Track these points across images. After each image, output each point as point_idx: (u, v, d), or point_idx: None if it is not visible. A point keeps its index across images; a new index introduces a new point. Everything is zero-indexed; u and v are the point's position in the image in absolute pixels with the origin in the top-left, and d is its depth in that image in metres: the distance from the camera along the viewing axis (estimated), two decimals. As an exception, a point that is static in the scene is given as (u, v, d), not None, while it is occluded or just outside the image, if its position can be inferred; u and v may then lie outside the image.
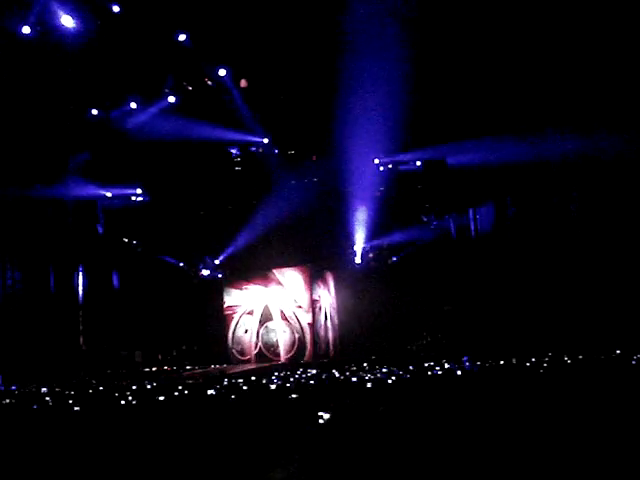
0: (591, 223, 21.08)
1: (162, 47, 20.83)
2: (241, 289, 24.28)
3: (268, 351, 22.62)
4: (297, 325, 22.82)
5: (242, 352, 22.74)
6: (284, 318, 23.06)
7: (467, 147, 22.06)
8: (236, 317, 23.61)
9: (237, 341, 23.11)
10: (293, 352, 22.30)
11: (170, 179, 24.77)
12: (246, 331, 22.90)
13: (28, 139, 21.31)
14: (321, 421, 4.41)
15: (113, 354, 24.10)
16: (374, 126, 22.47)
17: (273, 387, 11.57)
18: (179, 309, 26.65)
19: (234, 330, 23.24)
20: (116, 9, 19.16)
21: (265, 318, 23.22)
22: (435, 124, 22.38)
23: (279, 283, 23.76)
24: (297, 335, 22.58)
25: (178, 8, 19.55)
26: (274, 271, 23.79)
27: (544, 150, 21.36)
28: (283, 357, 22.40)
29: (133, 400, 10.39)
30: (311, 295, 23.85)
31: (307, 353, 22.46)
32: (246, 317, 23.18)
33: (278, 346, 22.53)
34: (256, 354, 22.70)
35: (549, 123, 21.24)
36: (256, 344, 22.81)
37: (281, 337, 22.72)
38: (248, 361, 22.55)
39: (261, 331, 22.89)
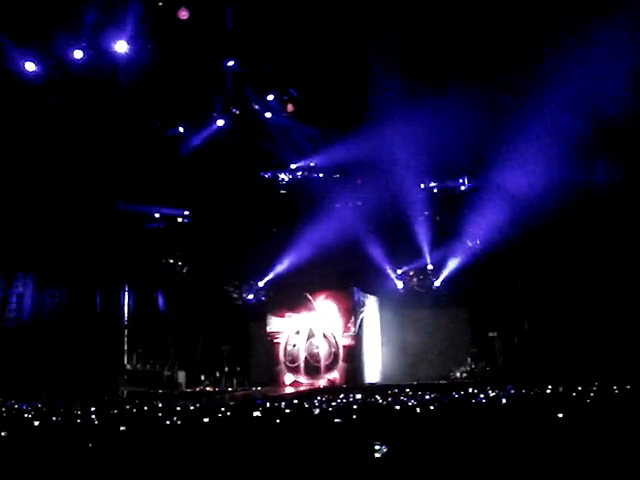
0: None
1: (211, 72, 21.11)
2: (283, 317, 25.66)
3: (312, 359, 25.14)
4: (334, 342, 25.04)
5: (292, 361, 25.32)
6: (324, 337, 25.21)
7: (512, 170, 21.91)
8: (285, 337, 25.55)
9: (289, 354, 25.41)
10: (330, 361, 25.01)
11: (216, 202, 24.94)
12: (294, 345, 25.40)
13: (79, 160, 21.64)
14: (377, 455, 4.36)
15: (156, 374, 24.24)
16: (419, 151, 22.49)
17: (316, 412, 11.53)
18: (223, 331, 26.83)
19: (285, 346, 25.49)
20: (167, 36, 19.45)
21: (309, 336, 25.37)
22: (478, 149, 22.30)
23: (318, 310, 25.43)
24: (333, 350, 25.04)
25: (228, 35, 19.84)
26: (314, 299, 25.48)
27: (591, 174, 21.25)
28: (323, 364, 25.04)
29: (177, 420, 10.43)
30: (349, 320, 25.03)
31: (339, 367, 24.87)
32: (294, 336, 25.45)
33: (319, 355, 25.14)
34: (304, 361, 25.21)
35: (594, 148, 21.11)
36: (303, 354, 25.25)
37: (322, 349, 25.16)
38: (297, 368, 25.19)
39: (306, 345, 25.28)
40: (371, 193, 24.12)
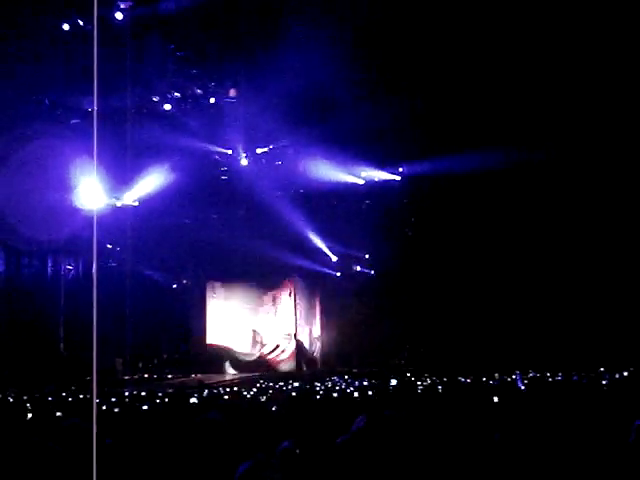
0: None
1: (153, 55, 20.82)
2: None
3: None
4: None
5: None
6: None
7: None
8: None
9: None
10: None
11: (157, 187, 24.53)
12: None
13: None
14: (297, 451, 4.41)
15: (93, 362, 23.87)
16: (360, 139, 22.58)
17: (249, 397, 11.59)
18: (162, 317, 26.61)
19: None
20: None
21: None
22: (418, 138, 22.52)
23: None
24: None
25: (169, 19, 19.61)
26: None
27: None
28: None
29: (114, 408, 10.34)
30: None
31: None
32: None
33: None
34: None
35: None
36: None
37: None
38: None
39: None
40: (312, 181, 24.18)
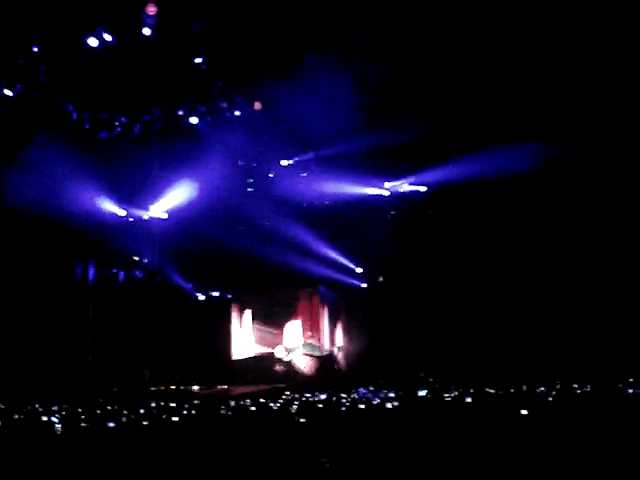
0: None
1: (179, 69, 21.02)
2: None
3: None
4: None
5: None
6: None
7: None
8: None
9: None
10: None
11: (184, 200, 24.71)
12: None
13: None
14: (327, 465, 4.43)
15: (121, 372, 24.09)
16: (385, 151, 22.63)
17: (276, 408, 11.62)
18: (188, 328, 26.71)
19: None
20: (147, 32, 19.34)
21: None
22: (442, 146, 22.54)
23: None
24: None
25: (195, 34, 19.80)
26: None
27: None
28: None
29: (143, 420, 10.42)
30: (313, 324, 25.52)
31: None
32: None
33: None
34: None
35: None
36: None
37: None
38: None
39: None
40: (337, 192, 24.25)
